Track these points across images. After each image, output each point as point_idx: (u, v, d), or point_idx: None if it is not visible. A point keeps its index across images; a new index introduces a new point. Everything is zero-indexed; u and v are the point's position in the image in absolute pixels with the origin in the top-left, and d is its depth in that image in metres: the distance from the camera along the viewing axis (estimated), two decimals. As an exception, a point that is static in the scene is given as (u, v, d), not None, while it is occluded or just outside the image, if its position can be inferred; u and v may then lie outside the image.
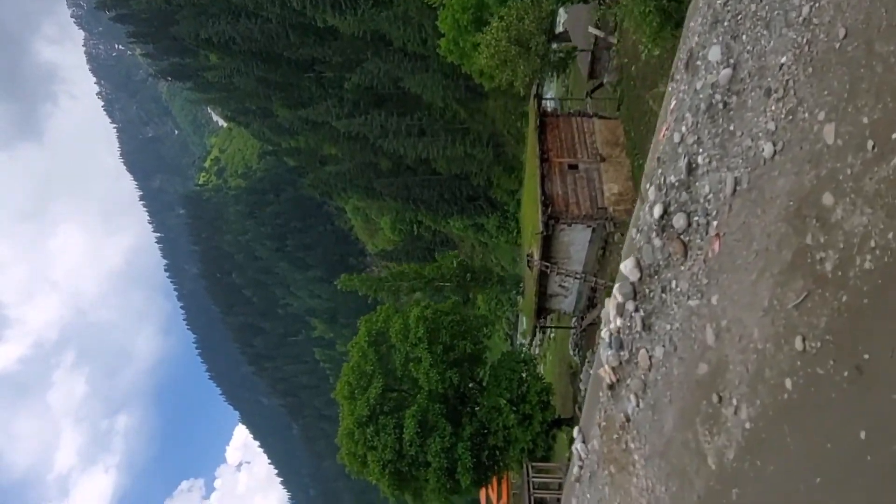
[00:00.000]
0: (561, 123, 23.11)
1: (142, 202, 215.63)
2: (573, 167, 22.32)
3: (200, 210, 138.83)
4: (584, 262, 23.24)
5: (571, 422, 28.35)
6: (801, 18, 6.44)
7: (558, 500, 28.61)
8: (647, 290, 9.42)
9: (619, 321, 10.01)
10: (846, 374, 5.74)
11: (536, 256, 22.06)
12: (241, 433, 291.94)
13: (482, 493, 46.82)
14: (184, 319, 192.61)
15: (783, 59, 6.69)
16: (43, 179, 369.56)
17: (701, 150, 8.10)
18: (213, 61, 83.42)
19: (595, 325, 24.14)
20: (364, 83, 64.12)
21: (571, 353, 30.62)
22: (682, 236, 8.47)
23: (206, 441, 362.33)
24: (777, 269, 6.69)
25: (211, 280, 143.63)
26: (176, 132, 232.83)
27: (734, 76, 7.51)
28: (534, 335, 31.18)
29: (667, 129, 8.88)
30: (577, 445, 12.81)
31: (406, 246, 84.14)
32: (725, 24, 7.73)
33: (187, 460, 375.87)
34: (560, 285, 24.49)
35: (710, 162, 7.93)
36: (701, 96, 8.06)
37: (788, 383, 6.51)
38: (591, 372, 12.14)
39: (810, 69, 6.33)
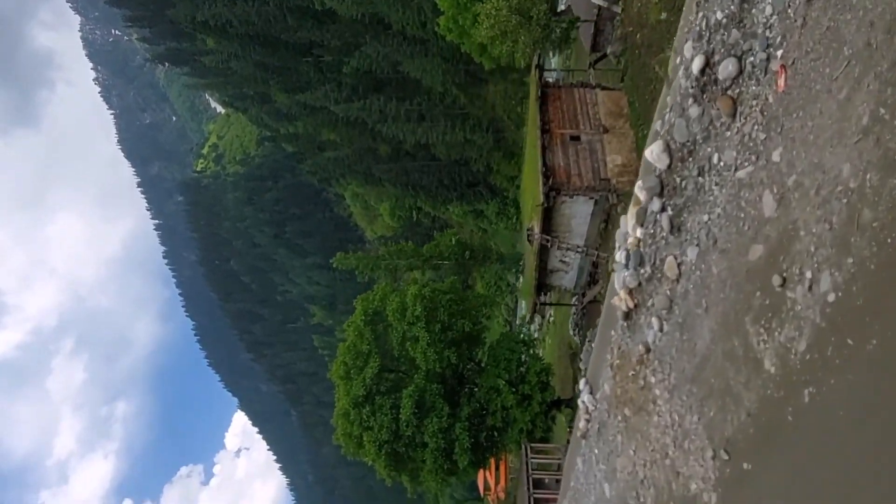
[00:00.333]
0: (563, 94, 22.69)
1: (140, 189, 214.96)
2: (575, 138, 21.91)
3: (199, 197, 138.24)
4: (586, 236, 22.85)
5: (571, 402, 28.22)
6: None
7: (557, 480, 28.58)
8: (677, 180, 8.17)
9: (639, 232, 8.88)
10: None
11: (537, 230, 21.71)
12: (240, 419, 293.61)
13: (480, 477, 46.96)
14: (182, 306, 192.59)
15: None
16: (40, 166, 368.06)
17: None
18: (210, 45, 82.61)
19: (596, 302, 23.92)
20: (363, 67, 63.54)
21: (571, 332, 30.43)
22: (730, 90, 7.11)
23: (205, 427, 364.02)
24: (886, 65, 5.18)
25: (209, 267, 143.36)
26: (174, 119, 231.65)
27: None
28: (534, 312, 30.86)
29: None
30: (584, 397, 11.92)
31: (405, 232, 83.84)
32: None
33: (186, 446, 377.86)
34: (561, 260, 24.13)
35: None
36: None
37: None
38: (605, 304, 11.17)
39: None
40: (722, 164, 7.38)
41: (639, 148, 20.47)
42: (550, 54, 29.94)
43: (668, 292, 8.70)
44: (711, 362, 7.88)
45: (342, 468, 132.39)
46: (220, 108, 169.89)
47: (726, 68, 7.08)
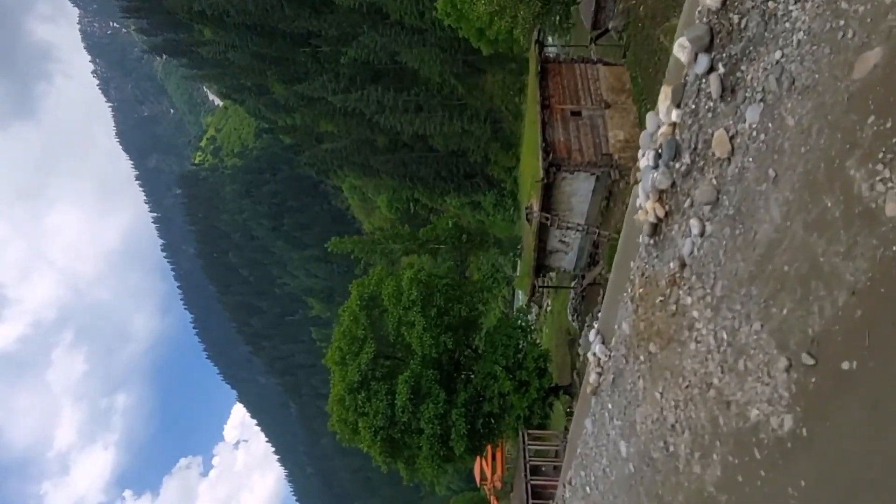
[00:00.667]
0: (563, 70, 22.35)
1: (138, 182, 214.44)
2: (576, 114, 21.58)
3: (197, 189, 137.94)
4: (587, 215, 22.43)
5: (570, 388, 28.12)
6: None
7: (555, 467, 28.54)
8: (733, 20, 6.54)
9: (674, 115, 7.46)
10: None
11: (536, 208, 21.43)
12: (239, 412, 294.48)
13: (476, 467, 46.94)
14: (181, 299, 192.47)
15: None
16: (39, 159, 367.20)
17: None
18: (207, 36, 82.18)
19: (596, 284, 23.70)
20: (360, 57, 63.22)
21: (570, 318, 30.27)
22: None
23: (204, 419, 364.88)
24: None
25: (208, 259, 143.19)
26: (172, 111, 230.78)
27: None
28: (532, 295, 30.56)
29: None
30: (596, 348, 10.76)
31: (403, 224, 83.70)
32: None
33: (185, 438, 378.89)
34: (560, 240, 23.77)
35: None
36: None
37: None
38: (624, 224, 9.70)
39: None
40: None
41: (641, 123, 20.28)
42: (549, 33, 29.52)
43: (715, 179, 7.24)
44: (784, 247, 6.32)
45: (340, 460, 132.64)
46: (217, 101, 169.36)
47: None
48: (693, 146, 7.34)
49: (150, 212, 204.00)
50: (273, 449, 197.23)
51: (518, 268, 58.99)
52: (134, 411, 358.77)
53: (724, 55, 6.73)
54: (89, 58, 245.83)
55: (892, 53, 4.97)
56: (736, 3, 6.48)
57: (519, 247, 41.36)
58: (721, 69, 6.78)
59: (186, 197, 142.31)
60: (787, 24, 6.07)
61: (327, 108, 70.53)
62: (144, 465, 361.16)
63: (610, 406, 10.74)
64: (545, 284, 31.91)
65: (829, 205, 5.67)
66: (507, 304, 73.33)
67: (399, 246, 42.22)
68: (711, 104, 6.96)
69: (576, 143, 20.55)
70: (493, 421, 25.59)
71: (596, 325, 11.02)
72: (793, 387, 6.31)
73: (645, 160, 8.00)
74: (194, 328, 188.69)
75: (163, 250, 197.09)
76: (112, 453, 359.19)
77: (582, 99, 21.48)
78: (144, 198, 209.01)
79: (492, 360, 25.26)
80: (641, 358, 9.26)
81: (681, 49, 7.23)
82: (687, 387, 8.09)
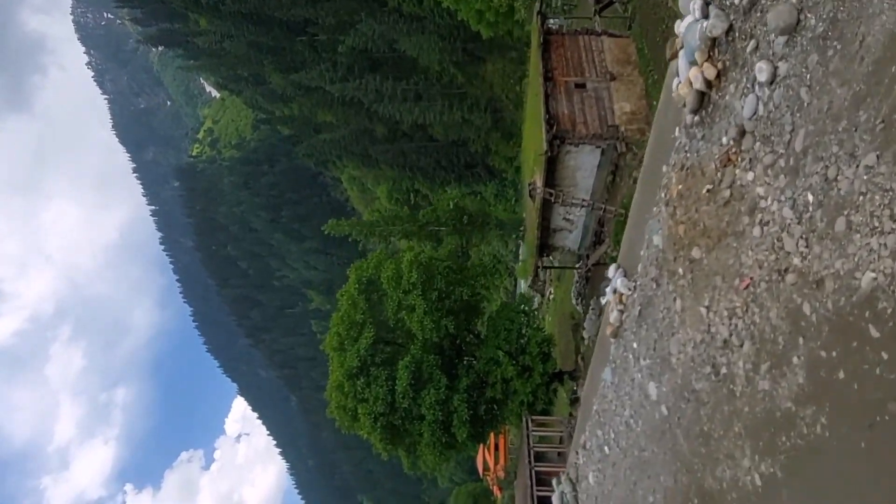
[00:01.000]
0: (567, 42, 21.80)
1: (135, 174, 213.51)
2: (580, 86, 21.05)
3: (194, 182, 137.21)
4: (592, 190, 21.84)
5: (574, 373, 27.69)
6: None
7: (558, 453, 28.16)
8: None
9: None
10: None
11: (539, 184, 20.92)
12: (240, 405, 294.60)
13: (479, 457, 46.63)
14: (180, 292, 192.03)
15: None
16: (34, 152, 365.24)
17: None
18: (202, 26, 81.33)
19: (601, 264, 23.17)
20: (358, 46, 62.47)
21: (574, 302, 29.80)
22: None
23: (205, 413, 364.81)
24: None
25: (206, 252, 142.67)
26: (168, 103, 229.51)
27: None
28: (535, 276, 29.98)
29: None
30: (617, 282, 9.69)
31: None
32: None
33: (186, 432, 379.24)
34: (565, 218, 23.20)
35: None
36: None
37: None
38: (658, 109, 8.61)
39: None
40: None
41: (648, 95, 19.75)
42: (553, 10, 28.87)
43: None
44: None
45: (342, 452, 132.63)
46: (214, 93, 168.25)
47: None
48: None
49: (148, 205, 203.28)
50: (274, 442, 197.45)
51: (521, 252, 58.48)
52: (134, 406, 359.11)
53: None
54: (83, 49, 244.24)
55: None
56: None
57: (521, 228, 40.67)
58: None
59: (184, 189, 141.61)
60: None
61: (325, 97, 69.81)
62: (145, 459, 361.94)
63: (635, 345, 9.62)
64: (549, 266, 31.17)
65: None
66: (509, 294, 72.93)
67: (398, 228, 41.49)
68: None
69: (580, 116, 20.02)
70: (495, 407, 25.14)
71: (616, 264, 10.05)
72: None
73: (690, 13, 6.92)
74: (193, 321, 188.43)
75: (161, 243, 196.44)
76: (112, 448, 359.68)
77: (586, 71, 20.95)
78: (142, 190, 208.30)
79: (494, 344, 24.80)
80: (680, 271, 7.98)
81: None
82: (746, 288, 6.82)
